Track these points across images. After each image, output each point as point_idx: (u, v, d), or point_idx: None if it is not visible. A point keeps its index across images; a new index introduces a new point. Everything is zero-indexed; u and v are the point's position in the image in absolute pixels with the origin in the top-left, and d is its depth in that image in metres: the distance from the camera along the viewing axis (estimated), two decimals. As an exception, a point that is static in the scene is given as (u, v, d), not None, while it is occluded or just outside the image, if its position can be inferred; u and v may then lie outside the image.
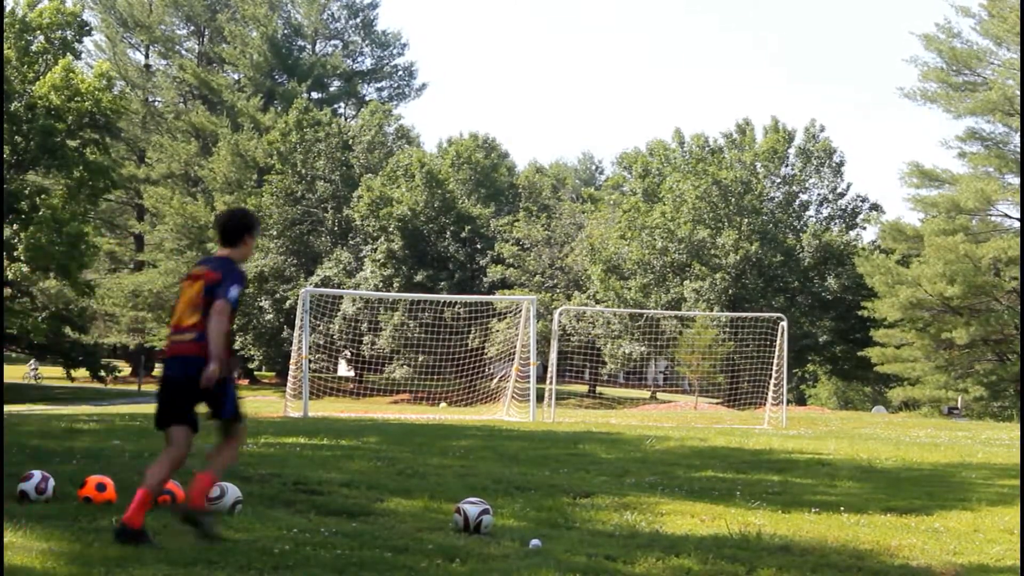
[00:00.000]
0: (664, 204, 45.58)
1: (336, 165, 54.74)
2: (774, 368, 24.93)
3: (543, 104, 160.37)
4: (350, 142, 56.27)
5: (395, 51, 66.96)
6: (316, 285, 47.70)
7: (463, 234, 50.86)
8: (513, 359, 26.27)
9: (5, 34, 37.81)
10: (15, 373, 49.71)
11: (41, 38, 40.67)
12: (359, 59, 66.97)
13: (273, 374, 57.60)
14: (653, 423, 22.88)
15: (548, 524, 7.68)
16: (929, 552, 7.13)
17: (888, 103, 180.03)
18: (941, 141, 74.18)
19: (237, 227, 6.53)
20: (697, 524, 7.90)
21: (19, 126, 38.33)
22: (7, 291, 39.33)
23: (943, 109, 41.59)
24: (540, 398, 24.73)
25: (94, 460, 9.95)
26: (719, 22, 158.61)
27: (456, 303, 42.48)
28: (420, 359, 43.00)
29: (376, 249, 50.55)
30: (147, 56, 65.53)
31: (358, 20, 65.62)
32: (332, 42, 66.47)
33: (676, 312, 41.08)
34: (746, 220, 44.87)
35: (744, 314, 37.02)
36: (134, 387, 47.97)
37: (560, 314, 30.66)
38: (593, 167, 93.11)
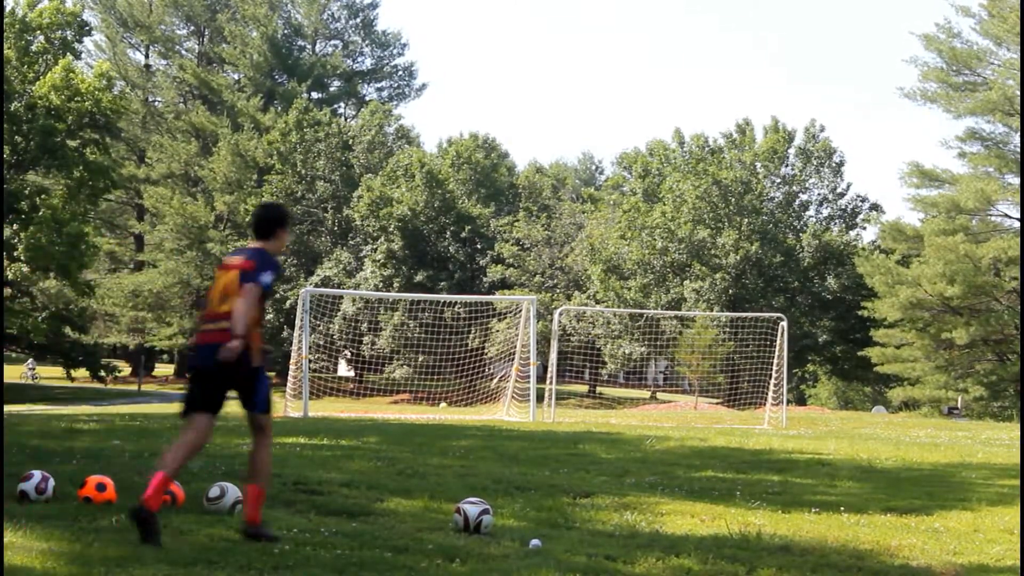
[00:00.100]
0: (664, 204, 45.59)
1: (336, 165, 54.75)
2: (774, 368, 24.90)
3: (543, 104, 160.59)
4: (350, 142, 56.28)
5: (395, 51, 67.03)
6: (316, 285, 47.71)
7: (463, 234, 50.86)
8: (513, 359, 26.24)
9: (5, 34, 37.78)
10: (14, 373, 49.68)
11: (41, 38, 40.63)
12: (359, 59, 67.03)
13: (273, 374, 57.59)
14: (653, 423, 22.87)
15: (548, 524, 7.67)
16: (929, 552, 7.13)
17: (888, 103, 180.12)
18: (941, 141, 74.36)
19: (270, 220, 6.76)
20: (697, 524, 7.89)
21: (19, 126, 38.30)
22: (7, 291, 39.32)
23: (943, 109, 41.64)
24: (540, 398, 24.70)
25: (94, 460, 9.94)
26: (719, 22, 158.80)
27: (456, 303, 42.48)
28: (420, 359, 43.00)
29: (376, 249, 50.56)
30: (147, 56, 65.51)
31: (358, 20, 65.66)
32: (332, 42, 66.50)
33: (676, 312, 41.07)
34: (746, 220, 44.88)
35: (744, 314, 37.00)
36: (134, 387, 47.98)
37: (560, 314, 30.63)
38: (593, 167, 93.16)
